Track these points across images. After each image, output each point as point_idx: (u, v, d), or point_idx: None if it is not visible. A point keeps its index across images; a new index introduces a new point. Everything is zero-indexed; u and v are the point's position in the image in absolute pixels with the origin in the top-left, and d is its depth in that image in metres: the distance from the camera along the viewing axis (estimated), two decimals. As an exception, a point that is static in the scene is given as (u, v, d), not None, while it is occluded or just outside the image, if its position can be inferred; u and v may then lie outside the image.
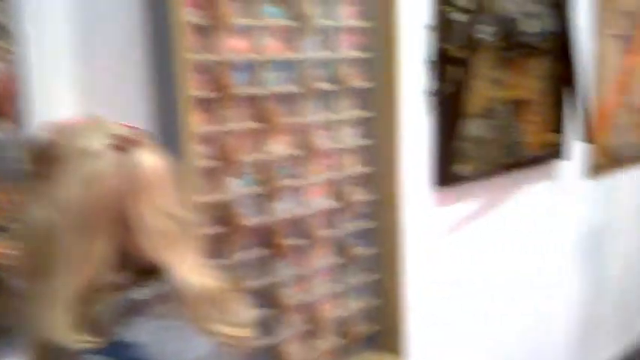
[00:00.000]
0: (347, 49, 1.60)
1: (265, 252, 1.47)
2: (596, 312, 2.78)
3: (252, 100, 1.41)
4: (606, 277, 2.83)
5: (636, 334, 3.13)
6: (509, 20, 2.02)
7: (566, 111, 2.30)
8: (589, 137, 2.31)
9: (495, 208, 2.15)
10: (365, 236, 1.71)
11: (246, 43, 1.40)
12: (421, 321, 1.86)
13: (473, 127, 1.95)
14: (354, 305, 1.70)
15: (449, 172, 1.90)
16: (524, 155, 2.17)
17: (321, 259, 1.60)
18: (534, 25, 2.12)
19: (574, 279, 2.61)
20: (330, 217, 1.61)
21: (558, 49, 2.21)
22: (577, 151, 2.42)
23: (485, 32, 1.94)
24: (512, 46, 2.05)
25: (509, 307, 2.26)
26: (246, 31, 1.39)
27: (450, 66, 1.83)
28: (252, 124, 1.41)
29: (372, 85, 1.66)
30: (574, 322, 2.64)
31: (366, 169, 1.68)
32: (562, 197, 2.45)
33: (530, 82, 2.15)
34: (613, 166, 2.69)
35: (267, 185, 1.45)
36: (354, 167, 1.66)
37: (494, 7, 1.96)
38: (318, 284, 1.60)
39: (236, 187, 1.38)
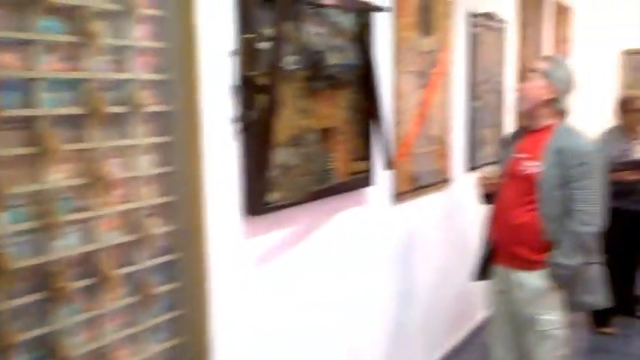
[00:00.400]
0: (141, 71, 1.49)
1: (44, 296, 1.28)
2: (406, 330, 2.93)
3: (25, 123, 1.24)
4: (413, 299, 3.01)
5: (444, 350, 3.37)
6: (315, 52, 2.08)
7: (371, 140, 2.42)
8: (390, 165, 2.45)
9: (307, 236, 2.16)
10: (166, 270, 1.59)
11: (17, 59, 1.23)
12: (231, 357, 1.77)
13: (282, 155, 1.95)
14: (155, 347, 1.56)
15: (258, 200, 1.86)
16: (334, 182, 2.22)
17: (114, 300, 1.45)
18: (339, 58, 2.21)
19: (384, 301, 2.73)
20: (125, 251, 1.47)
21: (362, 82, 2.33)
22: (383, 178, 2.55)
23: (291, 62, 1.96)
24: (319, 77, 2.10)
25: (323, 336, 2.27)
26: (17, 46, 1.23)
27: (256, 93, 1.81)
28: (25, 150, 1.24)
29: (170, 109, 1.57)
30: (385, 341, 2.75)
31: (166, 199, 1.58)
32: (371, 222, 2.56)
33: (336, 112, 2.22)
34: (415, 191, 2.90)
35: (44, 219, 1.27)
36: (152, 197, 1.54)
37: (300, 38, 2.00)
38: (111, 328, 1.44)
39: (1, 223, 1.19)
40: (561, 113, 2.32)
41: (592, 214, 2.19)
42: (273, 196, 1.92)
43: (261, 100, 1.82)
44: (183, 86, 1.56)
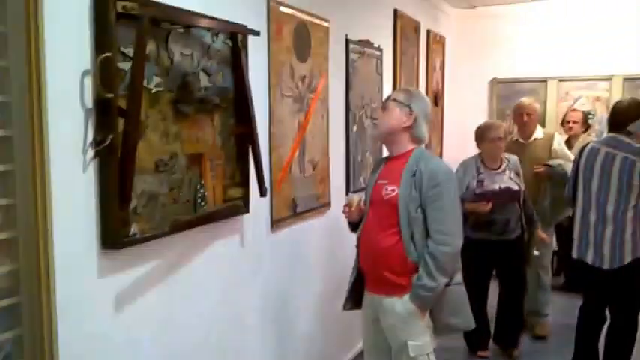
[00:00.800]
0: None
1: None
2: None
3: None
4: (292, 328, 2.95)
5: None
6: (184, 74, 1.98)
7: (247, 166, 2.34)
8: (266, 191, 2.39)
9: (176, 269, 2.03)
10: (5, 316, 1.40)
11: None
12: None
13: (146, 183, 1.82)
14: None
15: (118, 232, 1.72)
16: (206, 211, 2.12)
17: None
18: (211, 81, 2.13)
19: (262, 332, 2.64)
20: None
21: (235, 106, 2.26)
22: (260, 204, 2.48)
23: (156, 83, 1.85)
24: (188, 100, 2.00)
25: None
26: None
27: (115, 116, 1.67)
28: None
29: (10, 134, 1.40)
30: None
31: (5, 234, 1.39)
32: (247, 251, 2.48)
33: (208, 136, 2.13)
34: (294, 217, 2.86)
35: None
36: (-15, 233, 1.35)
37: (166, 58, 1.89)
38: None
39: None
40: (418, 140, 2.40)
41: (448, 234, 2.26)
42: (136, 228, 1.78)
43: (121, 123, 1.69)
44: (24, 109, 1.40)
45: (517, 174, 3.60)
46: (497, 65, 6.03)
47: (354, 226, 2.55)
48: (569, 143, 4.71)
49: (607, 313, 3.29)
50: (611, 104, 5.43)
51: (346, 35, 3.40)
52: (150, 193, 1.84)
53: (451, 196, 2.30)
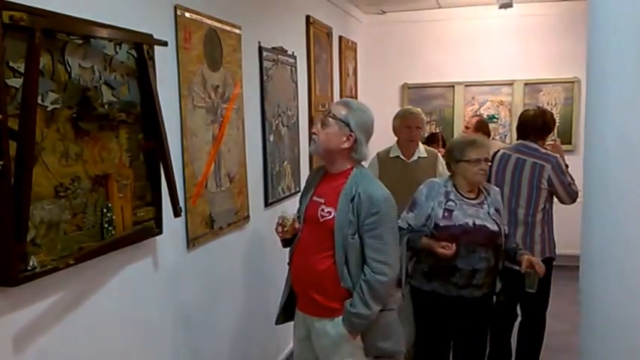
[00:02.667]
0: None
1: None
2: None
3: None
4: (215, 347, 2.83)
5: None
6: (84, 89, 1.82)
7: (158, 184, 2.21)
8: (179, 209, 2.26)
9: (82, 302, 1.86)
10: None
11: None
12: None
13: (44, 211, 1.65)
14: None
15: (14, 268, 1.54)
16: (115, 236, 1.96)
17: None
18: (114, 95, 1.97)
19: (178, 354, 2.51)
20: None
21: (143, 120, 2.12)
22: (174, 223, 2.35)
23: (52, 100, 1.68)
24: (89, 117, 1.85)
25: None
26: None
27: (6, 140, 1.50)
28: None
29: None
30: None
31: None
32: (163, 273, 2.33)
33: (113, 155, 1.97)
34: (212, 233, 2.73)
35: None
36: None
37: (62, 73, 1.73)
38: None
39: None
40: (358, 160, 2.32)
41: (385, 263, 2.20)
42: (35, 261, 1.61)
43: (13, 146, 1.51)
44: None
45: (497, 211, 2.73)
46: (407, 70, 6.19)
47: (286, 242, 2.46)
48: None
49: (518, 310, 3.44)
50: (514, 108, 5.80)
51: (259, 42, 3.32)
52: (50, 221, 1.67)
53: (390, 223, 2.23)
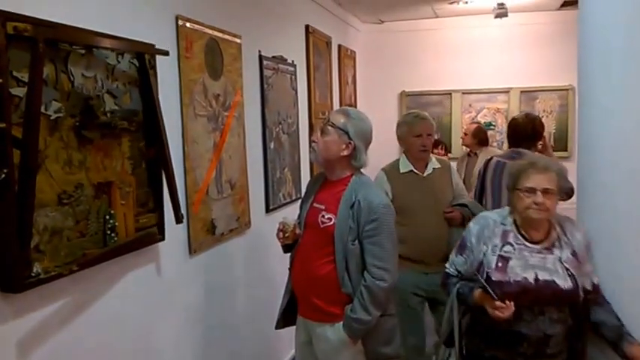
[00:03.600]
0: None
1: None
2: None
3: None
4: (217, 351, 2.84)
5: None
6: (86, 98, 1.85)
7: (160, 191, 2.23)
8: (181, 216, 2.28)
9: (87, 308, 1.88)
10: None
11: None
12: None
13: (48, 218, 1.67)
14: None
15: (19, 274, 1.56)
16: (117, 242, 1.98)
17: None
18: (116, 104, 2.00)
19: (185, 357, 2.53)
20: None
21: (145, 128, 2.14)
22: (176, 229, 2.37)
23: (56, 109, 1.71)
24: (92, 125, 1.87)
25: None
26: None
27: (9, 147, 1.52)
28: None
29: None
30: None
31: None
32: (165, 279, 2.35)
33: (116, 162, 2.00)
34: (213, 239, 2.76)
35: None
36: None
37: (65, 82, 1.76)
38: None
39: None
40: (357, 167, 2.34)
41: (385, 269, 2.21)
42: (39, 267, 1.63)
43: (17, 154, 1.54)
44: None
45: (575, 255, 2.03)
46: (405, 78, 6.25)
47: (287, 248, 2.48)
48: (470, 153, 4.92)
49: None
50: (510, 115, 5.83)
51: (259, 51, 3.36)
52: (53, 228, 1.69)
53: (389, 230, 2.25)
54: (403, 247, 2.78)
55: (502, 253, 2.05)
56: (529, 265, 2.01)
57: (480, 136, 4.93)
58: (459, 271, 2.23)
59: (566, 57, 5.48)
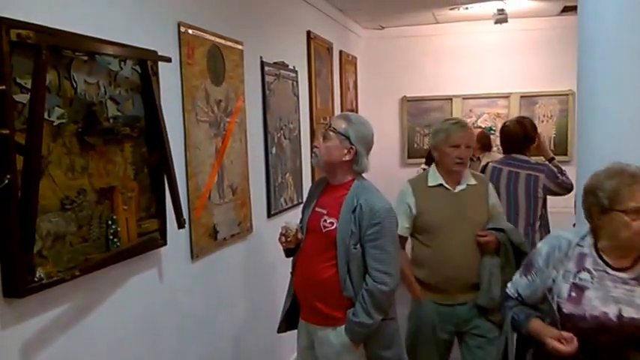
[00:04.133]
0: None
1: None
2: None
3: None
4: (219, 355, 2.85)
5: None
6: (89, 104, 1.87)
7: (162, 196, 2.24)
8: (183, 221, 2.29)
9: (89, 312, 1.89)
10: None
11: None
12: None
13: (51, 223, 1.69)
14: None
15: (22, 279, 1.58)
16: (120, 247, 1.99)
17: None
18: (119, 110, 2.02)
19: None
20: None
21: (147, 134, 2.16)
22: (178, 234, 2.38)
23: (59, 115, 1.73)
24: (94, 131, 1.89)
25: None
26: None
27: (13, 154, 1.54)
28: None
29: None
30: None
31: None
32: (167, 284, 2.36)
33: (118, 168, 2.01)
34: (215, 244, 2.76)
35: None
36: None
37: (68, 88, 1.77)
38: None
39: None
40: (359, 172, 2.35)
41: (387, 273, 2.21)
42: (42, 272, 1.64)
43: (20, 160, 1.55)
44: None
45: None
46: (406, 84, 6.27)
47: (289, 252, 2.49)
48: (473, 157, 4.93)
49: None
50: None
51: (261, 57, 3.37)
52: (56, 233, 1.71)
53: (391, 234, 2.25)
54: (423, 272, 2.67)
55: (577, 281, 1.73)
56: (611, 298, 1.67)
57: (483, 141, 4.96)
58: (519, 294, 1.93)
59: (566, 62, 5.46)
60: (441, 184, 2.68)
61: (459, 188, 2.68)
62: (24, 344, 1.61)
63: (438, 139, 2.68)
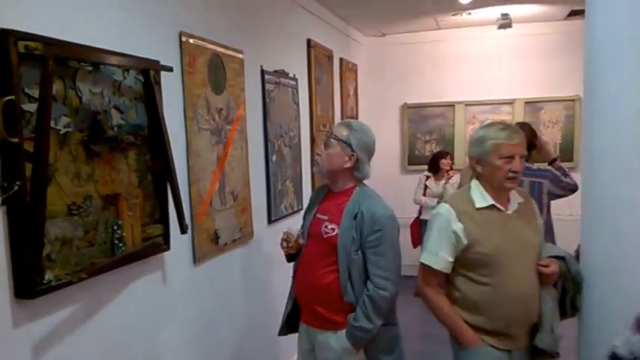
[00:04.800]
0: None
1: None
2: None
3: None
4: (218, 357, 2.90)
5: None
6: (94, 113, 1.93)
7: (165, 202, 2.30)
8: (185, 227, 2.35)
9: (94, 314, 1.95)
10: None
11: None
12: None
13: (58, 228, 1.75)
14: None
15: (31, 281, 1.64)
16: (124, 252, 2.05)
17: None
18: (124, 119, 2.08)
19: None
20: None
21: (150, 142, 2.22)
22: (181, 240, 2.44)
23: (65, 124, 1.79)
24: (99, 139, 1.95)
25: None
26: None
27: (22, 162, 1.60)
28: None
29: None
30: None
31: None
32: (170, 287, 2.42)
33: (123, 175, 2.08)
34: (217, 249, 2.82)
35: None
36: None
37: (74, 98, 1.84)
38: None
39: None
40: (360, 179, 2.40)
41: (387, 279, 2.25)
42: (51, 275, 1.70)
43: (29, 167, 1.62)
44: None
45: None
46: (407, 91, 6.30)
47: (290, 257, 2.54)
48: None
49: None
50: (514, 126, 5.87)
51: (261, 66, 3.44)
52: (63, 237, 1.77)
53: (392, 241, 2.29)
54: (479, 317, 2.16)
55: None
56: None
57: None
58: (634, 356, 1.52)
59: (571, 67, 5.50)
60: (492, 205, 2.19)
61: (511, 209, 2.22)
62: (34, 342, 1.67)
63: (484, 149, 2.17)
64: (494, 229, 2.16)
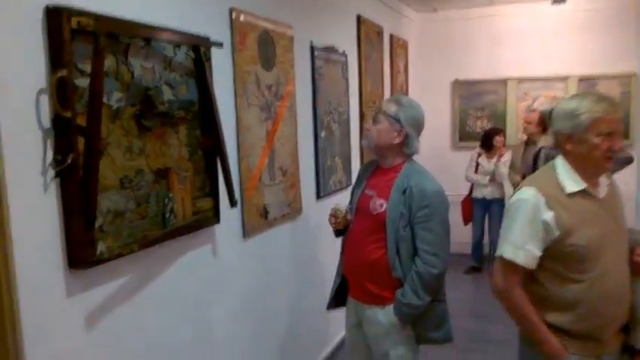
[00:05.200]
0: None
1: None
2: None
3: None
4: (268, 330, 2.94)
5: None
6: (146, 88, 1.96)
7: (215, 177, 2.33)
8: (235, 201, 2.37)
9: (146, 285, 2.00)
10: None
11: None
12: None
13: (111, 200, 1.79)
14: None
15: (85, 252, 1.69)
16: (175, 224, 2.09)
17: None
18: (174, 94, 2.10)
19: (237, 338, 2.63)
20: None
21: (201, 117, 2.24)
22: (230, 213, 2.47)
23: (117, 99, 1.82)
24: (151, 114, 1.98)
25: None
26: None
27: (74, 134, 1.64)
28: None
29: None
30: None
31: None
32: (220, 260, 2.46)
33: (174, 149, 2.10)
34: (266, 224, 2.85)
35: None
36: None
37: (126, 73, 1.87)
38: None
39: None
40: (409, 154, 2.36)
41: (436, 255, 2.23)
42: (103, 246, 1.75)
43: (81, 141, 1.66)
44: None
45: None
46: (458, 67, 6.18)
47: (338, 233, 2.54)
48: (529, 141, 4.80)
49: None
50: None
51: (311, 42, 3.41)
52: (116, 210, 1.81)
53: (441, 217, 2.26)
54: (568, 317, 1.86)
55: None
56: None
57: (544, 124, 4.86)
58: None
59: (628, 43, 5.28)
60: (584, 190, 1.88)
61: (602, 192, 1.92)
62: (86, 312, 1.73)
63: (578, 123, 1.84)
64: (587, 216, 1.85)
